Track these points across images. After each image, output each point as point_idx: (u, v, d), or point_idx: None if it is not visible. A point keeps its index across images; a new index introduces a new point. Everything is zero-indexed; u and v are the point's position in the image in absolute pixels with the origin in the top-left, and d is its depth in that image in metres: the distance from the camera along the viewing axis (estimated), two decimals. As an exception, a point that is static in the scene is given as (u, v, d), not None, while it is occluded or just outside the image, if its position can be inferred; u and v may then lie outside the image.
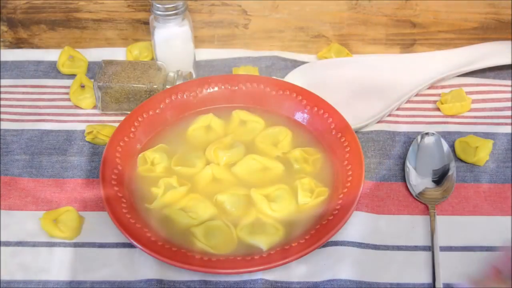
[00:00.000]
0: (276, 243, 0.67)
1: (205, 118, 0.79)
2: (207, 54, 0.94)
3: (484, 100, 0.85)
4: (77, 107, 0.86)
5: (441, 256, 0.68)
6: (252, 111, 0.80)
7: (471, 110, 0.84)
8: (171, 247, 0.65)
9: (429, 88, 0.87)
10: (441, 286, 0.65)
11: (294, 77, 0.86)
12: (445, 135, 0.81)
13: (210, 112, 0.80)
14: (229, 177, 0.73)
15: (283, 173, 0.74)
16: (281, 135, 0.77)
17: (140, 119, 0.78)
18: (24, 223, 0.72)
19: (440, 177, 0.74)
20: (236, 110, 0.80)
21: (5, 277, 0.67)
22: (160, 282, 0.66)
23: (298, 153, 0.75)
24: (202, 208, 0.70)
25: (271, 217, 0.69)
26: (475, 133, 0.81)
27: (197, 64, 0.92)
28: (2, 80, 0.90)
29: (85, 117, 0.85)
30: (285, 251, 0.65)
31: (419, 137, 0.78)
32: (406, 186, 0.75)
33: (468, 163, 0.77)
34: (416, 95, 0.86)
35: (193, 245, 0.67)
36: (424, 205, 0.73)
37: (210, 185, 0.73)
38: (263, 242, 0.67)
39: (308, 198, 0.70)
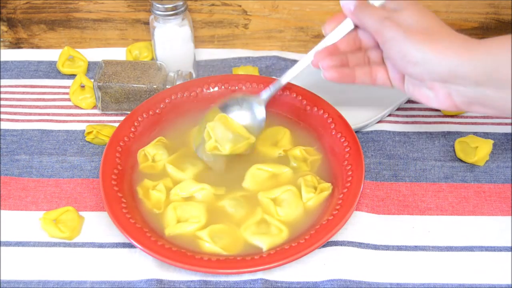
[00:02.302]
0: (278, 244, 0.67)
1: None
2: (207, 54, 0.94)
3: (484, 100, 0.85)
4: (77, 107, 0.86)
5: (441, 256, 0.68)
6: None
7: (471, 110, 0.84)
8: (171, 247, 0.65)
9: (429, 88, 0.87)
10: None
11: (294, 77, 0.86)
12: (445, 135, 0.81)
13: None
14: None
15: (291, 175, 0.74)
16: (279, 134, 0.77)
17: (140, 119, 0.78)
18: (24, 223, 0.72)
19: None
20: None
21: (5, 277, 0.67)
22: (160, 282, 0.66)
23: (298, 152, 0.75)
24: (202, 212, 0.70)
25: (277, 220, 0.69)
26: (475, 133, 0.81)
27: (197, 64, 0.92)
28: (2, 80, 0.90)
29: (85, 117, 0.85)
30: (285, 251, 0.65)
31: None
32: (406, 186, 0.75)
33: (468, 163, 0.77)
34: (416, 95, 0.86)
35: (201, 248, 0.67)
36: (423, 205, 0.73)
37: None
38: (264, 242, 0.67)
39: (312, 193, 0.70)
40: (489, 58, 0.60)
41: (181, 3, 0.83)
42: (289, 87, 0.81)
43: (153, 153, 0.75)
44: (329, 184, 0.72)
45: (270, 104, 0.81)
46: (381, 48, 0.67)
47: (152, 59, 0.92)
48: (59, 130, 0.83)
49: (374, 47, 0.69)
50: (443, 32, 0.63)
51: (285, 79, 0.73)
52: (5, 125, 0.83)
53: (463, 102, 0.63)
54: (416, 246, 0.69)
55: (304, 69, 0.88)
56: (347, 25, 0.69)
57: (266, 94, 0.74)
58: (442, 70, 0.62)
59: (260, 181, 0.73)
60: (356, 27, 0.69)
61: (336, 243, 0.69)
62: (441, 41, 0.62)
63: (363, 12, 0.67)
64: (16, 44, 0.96)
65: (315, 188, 0.71)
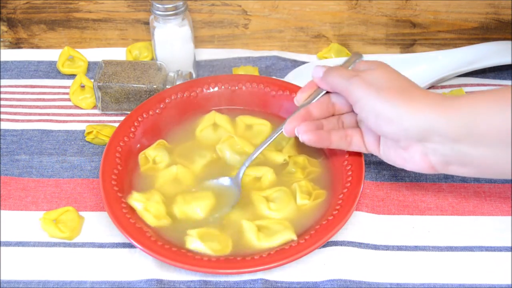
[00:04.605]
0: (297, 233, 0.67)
1: (209, 117, 0.79)
2: (207, 54, 0.94)
3: (484, 100, 0.85)
4: (77, 107, 0.86)
5: (441, 256, 0.68)
6: (255, 114, 0.80)
7: (471, 110, 0.84)
8: (171, 247, 0.66)
9: (429, 88, 0.87)
10: None
11: (294, 77, 0.86)
12: (445, 135, 0.81)
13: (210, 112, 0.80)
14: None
15: (276, 178, 0.73)
16: (284, 140, 0.77)
17: (140, 119, 0.78)
18: (24, 223, 0.72)
19: None
20: (239, 116, 0.80)
21: (5, 277, 0.67)
22: (160, 282, 0.66)
23: (301, 160, 0.75)
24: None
25: (270, 218, 0.69)
26: (475, 133, 0.80)
27: (197, 64, 0.92)
28: (2, 80, 0.90)
29: (85, 117, 0.85)
30: (285, 251, 0.65)
31: None
32: (406, 186, 0.75)
33: (468, 163, 0.77)
34: (416, 95, 0.86)
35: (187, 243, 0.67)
36: (423, 205, 0.73)
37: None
38: (289, 234, 0.67)
39: (306, 200, 0.70)
40: (466, 112, 0.58)
41: (181, 3, 0.83)
42: (289, 87, 0.81)
43: (153, 155, 0.75)
44: (323, 191, 0.72)
45: (269, 105, 0.81)
46: (353, 109, 0.66)
47: (152, 59, 0.92)
48: (59, 130, 0.83)
49: (348, 112, 0.69)
50: (416, 90, 0.62)
51: (256, 153, 0.72)
52: (5, 125, 0.83)
53: (440, 162, 0.62)
54: (416, 246, 0.69)
55: (305, 70, 0.88)
56: (318, 93, 0.70)
57: (241, 172, 0.72)
58: (418, 126, 0.60)
59: (248, 181, 0.73)
60: (328, 92, 0.69)
61: (336, 243, 0.69)
62: (415, 97, 0.61)
63: (330, 74, 0.67)
64: (16, 44, 0.96)
65: (309, 194, 0.71)
